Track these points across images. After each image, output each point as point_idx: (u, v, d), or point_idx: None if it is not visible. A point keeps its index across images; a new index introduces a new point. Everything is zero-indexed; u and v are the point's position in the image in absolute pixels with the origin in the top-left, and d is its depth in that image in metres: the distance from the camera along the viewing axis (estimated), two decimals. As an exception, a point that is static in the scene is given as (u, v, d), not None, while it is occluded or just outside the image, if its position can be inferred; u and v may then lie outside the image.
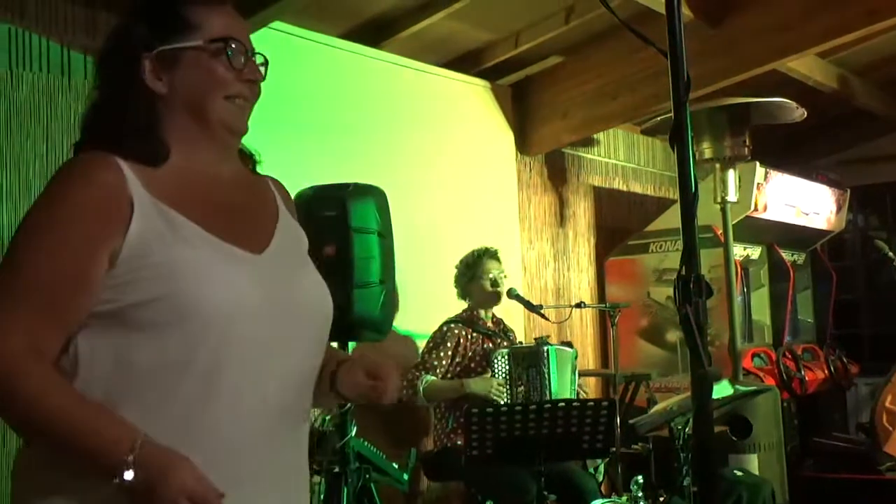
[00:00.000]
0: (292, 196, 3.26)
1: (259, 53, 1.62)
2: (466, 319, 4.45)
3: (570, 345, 4.69)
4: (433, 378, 4.21)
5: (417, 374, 4.22)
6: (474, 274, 4.47)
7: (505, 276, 4.55)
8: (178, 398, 1.44)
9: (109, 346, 1.44)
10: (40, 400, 1.38)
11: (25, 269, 1.42)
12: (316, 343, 1.64)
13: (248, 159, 1.72)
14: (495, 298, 4.49)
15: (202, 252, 1.47)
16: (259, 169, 1.74)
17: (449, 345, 4.31)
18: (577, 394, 4.64)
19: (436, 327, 4.47)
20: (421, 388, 4.16)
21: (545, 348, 4.34)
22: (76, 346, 1.44)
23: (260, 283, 1.51)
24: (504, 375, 4.25)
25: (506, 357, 4.29)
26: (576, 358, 4.59)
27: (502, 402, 4.16)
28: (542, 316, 4.71)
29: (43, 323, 1.41)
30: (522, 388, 4.27)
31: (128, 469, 1.35)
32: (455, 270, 4.55)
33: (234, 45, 1.56)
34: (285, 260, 1.61)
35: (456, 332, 4.36)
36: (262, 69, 1.63)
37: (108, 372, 1.44)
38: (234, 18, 1.61)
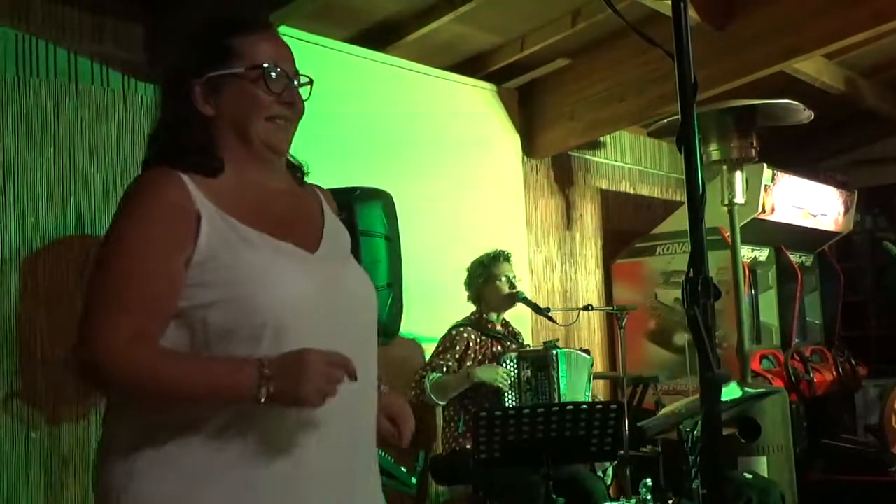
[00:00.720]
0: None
1: (303, 74, 1.78)
2: (475, 322, 4.44)
3: (587, 352, 4.69)
4: (438, 374, 4.20)
5: (423, 374, 4.22)
6: (490, 275, 4.45)
7: (519, 280, 4.55)
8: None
9: (186, 343, 1.58)
10: (159, 368, 1.53)
11: (121, 276, 1.57)
12: (368, 331, 1.77)
13: (296, 170, 1.86)
14: (510, 301, 4.48)
15: (264, 252, 1.61)
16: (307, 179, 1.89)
17: (458, 348, 4.30)
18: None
19: (442, 331, 4.47)
20: (428, 386, 4.15)
21: (554, 352, 4.33)
22: (164, 342, 1.59)
23: (316, 278, 1.65)
24: (512, 378, 4.24)
25: (514, 360, 4.28)
26: (591, 365, 4.60)
27: (507, 389, 4.17)
28: (550, 319, 4.71)
29: (146, 321, 1.55)
30: (531, 391, 4.27)
31: (264, 386, 1.48)
32: (467, 272, 4.54)
33: (272, 71, 1.69)
34: (334, 257, 1.75)
35: (465, 335, 4.35)
36: (303, 90, 1.77)
37: None
38: (275, 44, 1.75)
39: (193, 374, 1.53)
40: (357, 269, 1.83)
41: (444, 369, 4.24)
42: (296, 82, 1.76)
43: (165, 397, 1.55)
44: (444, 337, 4.39)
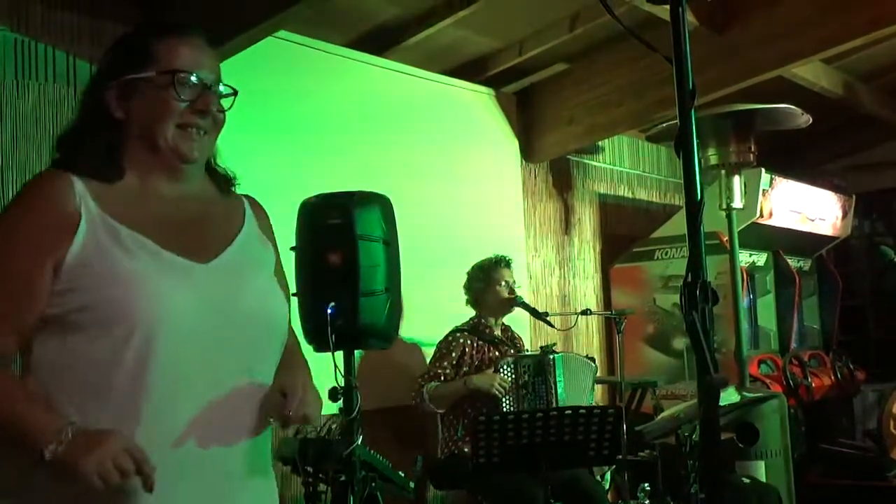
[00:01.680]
0: (299, 204, 3.25)
1: (227, 85, 1.72)
2: (472, 328, 4.44)
3: (592, 359, 4.69)
4: (435, 384, 4.22)
5: (422, 382, 4.24)
6: (489, 280, 4.47)
7: (518, 286, 4.56)
8: (109, 401, 1.53)
9: (55, 349, 1.56)
10: None
11: None
12: (259, 350, 1.70)
13: (223, 180, 1.81)
14: (508, 306, 4.49)
15: (141, 259, 1.57)
16: (239, 187, 1.84)
17: (454, 354, 4.31)
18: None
19: (441, 335, 4.47)
20: (426, 395, 4.18)
21: (551, 356, 4.33)
22: (32, 348, 1.58)
23: (197, 289, 1.60)
24: (510, 384, 4.24)
25: (511, 365, 4.29)
26: (595, 372, 4.61)
27: (503, 396, 4.19)
28: (548, 324, 4.71)
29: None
30: (528, 396, 4.27)
31: (56, 445, 1.44)
32: (467, 276, 4.55)
33: (185, 77, 1.65)
34: (234, 270, 1.69)
35: (461, 340, 4.36)
36: (222, 101, 1.71)
37: (54, 373, 1.56)
38: (195, 50, 1.70)
39: (4, 401, 1.51)
40: (260, 284, 1.73)
41: (442, 377, 4.25)
42: (219, 91, 1.71)
43: None
44: (441, 343, 4.40)
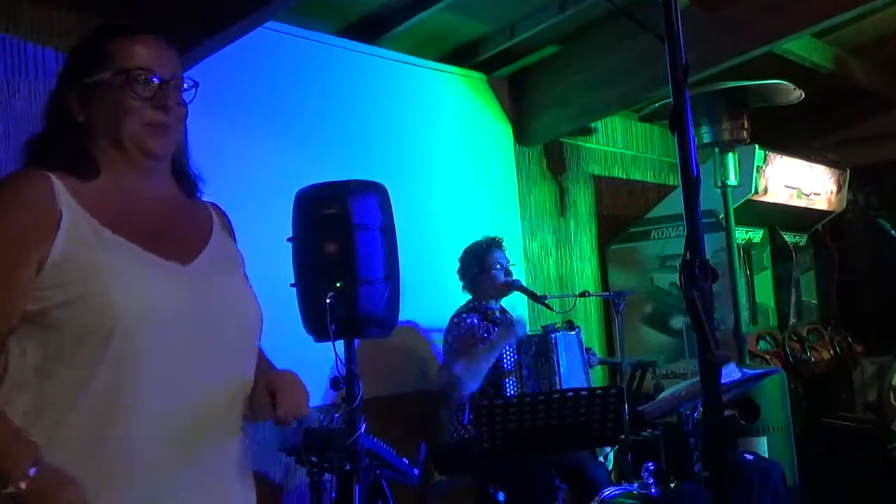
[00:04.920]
0: (295, 195, 3.26)
1: (188, 78, 1.74)
2: (475, 309, 4.42)
3: (571, 325, 4.68)
4: (462, 360, 4.19)
5: (450, 371, 4.20)
6: (484, 265, 4.43)
7: (513, 265, 4.54)
8: (87, 396, 1.53)
9: (34, 349, 1.55)
10: None
11: None
12: (238, 352, 1.72)
13: (190, 182, 1.84)
14: (506, 290, 4.46)
15: (121, 258, 1.58)
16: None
17: (466, 335, 4.28)
18: (590, 367, 4.65)
19: (441, 321, 4.46)
20: (459, 374, 4.14)
21: (553, 336, 4.34)
22: (8, 349, 1.56)
23: (177, 290, 1.62)
24: (512, 365, 4.25)
25: (514, 346, 4.28)
26: (580, 334, 4.60)
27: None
28: (547, 306, 4.70)
29: None
30: (532, 377, 4.27)
31: (19, 482, 1.44)
32: (459, 262, 4.52)
33: (140, 75, 1.67)
34: (210, 272, 1.71)
35: (468, 321, 4.33)
36: (180, 95, 1.73)
37: (32, 373, 1.55)
38: (149, 48, 1.71)
39: None
40: (235, 288, 1.76)
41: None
42: (180, 85, 1.73)
43: None
44: (451, 327, 4.35)
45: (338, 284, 3.08)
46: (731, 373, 3.82)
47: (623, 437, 3.69)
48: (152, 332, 1.55)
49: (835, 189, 6.73)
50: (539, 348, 4.31)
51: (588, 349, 4.74)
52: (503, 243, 4.53)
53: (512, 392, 4.23)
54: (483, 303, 4.46)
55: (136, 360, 1.54)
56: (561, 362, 4.31)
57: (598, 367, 5.51)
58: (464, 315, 4.36)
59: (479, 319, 4.36)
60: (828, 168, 6.65)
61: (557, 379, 4.27)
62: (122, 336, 1.53)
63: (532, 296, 4.62)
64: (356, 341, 3.45)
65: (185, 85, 1.74)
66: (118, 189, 1.68)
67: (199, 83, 1.76)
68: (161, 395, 1.57)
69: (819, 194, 6.54)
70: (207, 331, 1.64)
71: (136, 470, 1.55)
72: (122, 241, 1.60)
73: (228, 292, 1.72)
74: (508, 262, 4.50)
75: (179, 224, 1.75)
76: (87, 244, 1.56)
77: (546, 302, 4.63)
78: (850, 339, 6.70)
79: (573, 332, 4.56)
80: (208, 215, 1.85)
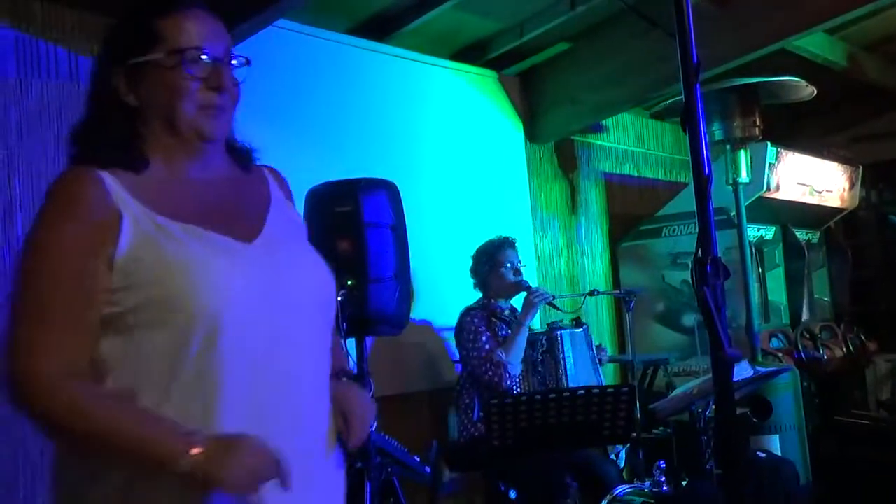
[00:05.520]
0: (305, 194, 3.26)
1: (239, 56, 1.64)
2: (484, 307, 4.41)
3: (578, 322, 4.67)
4: (501, 347, 4.17)
5: (494, 358, 4.16)
6: (494, 263, 4.41)
7: (524, 266, 4.53)
8: (176, 393, 1.47)
9: (118, 350, 1.50)
10: (86, 413, 1.44)
11: (36, 292, 1.49)
12: (317, 324, 1.65)
13: (242, 155, 1.75)
14: (515, 289, 4.45)
15: (190, 247, 1.51)
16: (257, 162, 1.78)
17: (482, 328, 4.27)
18: (600, 362, 4.64)
19: (451, 320, 4.45)
20: (505, 359, 4.13)
21: (558, 333, 4.33)
22: (99, 353, 1.50)
23: (250, 270, 1.54)
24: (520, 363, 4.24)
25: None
26: (587, 331, 4.60)
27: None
28: (555, 307, 4.68)
29: (68, 338, 1.47)
30: (539, 375, 4.27)
31: (192, 456, 1.39)
32: (472, 260, 4.51)
33: (194, 55, 1.57)
34: (278, 245, 1.63)
35: (476, 319, 4.32)
36: (234, 74, 1.63)
37: (119, 375, 1.50)
38: (201, 23, 1.61)
39: (124, 428, 1.44)
40: (305, 258, 1.69)
41: (495, 345, 4.20)
42: (231, 63, 1.63)
43: (90, 445, 1.48)
44: (466, 324, 4.27)
45: (349, 282, 3.09)
46: (743, 371, 3.81)
47: (635, 435, 3.68)
48: (232, 318, 1.48)
49: (847, 186, 6.71)
50: (545, 346, 4.31)
51: (599, 346, 4.73)
52: (515, 244, 4.52)
53: (517, 390, 4.22)
54: (493, 301, 4.45)
55: (219, 350, 1.48)
56: (567, 360, 4.30)
57: (610, 364, 5.49)
58: (473, 312, 4.34)
59: (485, 324, 4.33)
60: (840, 165, 6.62)
61: (564, 376, 4.26)
62: (203, 328, 1.47)
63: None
64: (367, 339, 3.46)
65: (235, 62, 1.64)
66: (172, 175, 1.60)
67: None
68: (252, 382, 1.51)
69: (831, 191, 6.52)
70: (284, 308, 1.56)
71: None
72: (188, 227, 1.53)
73: (299, 269, 1.64)
74: (519, 261, 4.50)
75: (240, 202, 1.66)
76: (153, 241, 1.50)
77: (554, 302, 4.62)
78: (863, 337, 6.67)
79: (580, 330, 4.55)
80: (266, 182, 1.76)
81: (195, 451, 1.40)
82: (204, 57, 1.58)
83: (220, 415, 1.48)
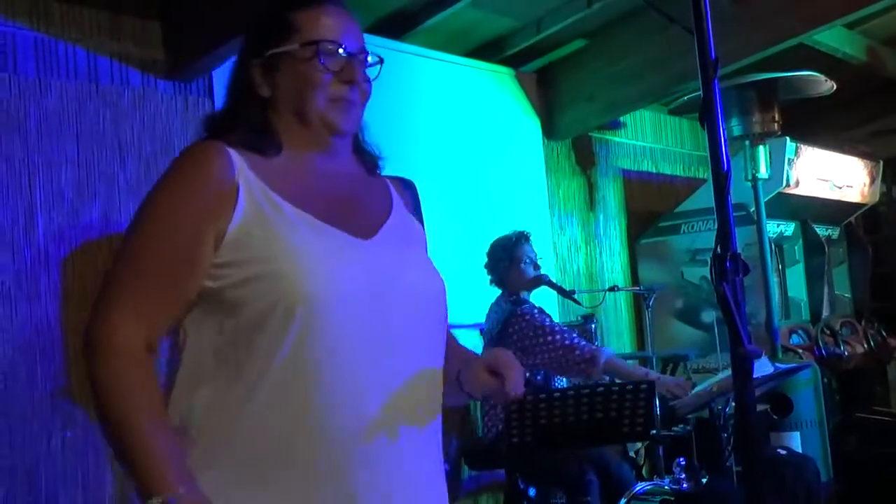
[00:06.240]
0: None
1: (373, 53, 1.68)
2: (516, 303, 4.36)
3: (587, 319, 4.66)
4: (611, 354, 4.07)
5: (591, 348, 4.06)
6: (513, 259, 4.38)
7: (541, 258, 4.51)
8: (269, 383, 1.44)
9: (211, 328, 1.48)
10: (128, 415, 1.41)
11: (137, 257, 1.47)
12: (432, 332, 1.62)
13: (368, 158, 1.77)
14: (535, 283, 4.42)
15: (305, 232, 1.49)
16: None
17: (548, 321, 4.23)
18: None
19: (469, 317, 4.44)
20: (602, 363, 3.99)
21: (592, 325, 4.33)
22: (184, 330, 1.50)
23: (363, 267, 1.51)
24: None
25: None
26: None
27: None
28: (575, 301, 4.68)
29: (155, 308, 1.46)
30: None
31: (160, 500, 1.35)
32: (487, 257, 4.49)
33: (327, 48, 1.58)
34: (394, 247, 1.61)
35: (538, 309, 4.26)
36: (369, 70, 1.67)
37: (209, 354, 1.47)
38: (337, 18, 1.63)
39: (139, 435, 1.40)
40: (420, 264, 1.67)
41: (574, 334, 4.15)
42: (365, 60, 1.66)
43: (102, 425, 1.43)
44: (530, 312, 4.21)
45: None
46: (763, 367, 3.79)
47: (654, 432, 3.67)
48: (337, 311, 1.45)
49: (868, 181, 6.66)
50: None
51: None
52: (531, 237, 4.49)
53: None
54: (521, 296, 4.39)
55: (320, 341, 1.44)
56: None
57: (629, 361, 5.47)
58: (526, 307, 4.26)
59: (546, 316, 4.27)
60: (860, 160, 6.58)
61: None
62: (304, 316, 1.43)
63: (560, 290, 4.59)
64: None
65: (369, 59, 1.67)
66: (300, 166, 1.60)
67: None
68: (349, 377, 1.46)
69: (852, 186, 6.47)
70: (394, 310, 1.52)
71: (331, 469, 1.45)
72: (304, 215, 1.51)
73: (413, 268, 1.62)
74: (536, 255, 4.48)
75: (361, 200, 1.66)
76: (266, 220, 1.48)
77: (574, 297, 4.61)
78: (884, 333, 6.62)
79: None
80: (389, 191, 1.77)
81: (171, 497, 1.36)
82: (338, 50, 1.60)
83: (313, 410, 1.44)
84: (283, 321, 1.43)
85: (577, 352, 4.02)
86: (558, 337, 4.07)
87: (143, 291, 1.45)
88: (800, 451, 4.60)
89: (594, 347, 4.06)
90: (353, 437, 1.46)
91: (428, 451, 1.60)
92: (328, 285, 1.45)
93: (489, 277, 4.50)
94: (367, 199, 1.68)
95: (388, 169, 3.53)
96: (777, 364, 4.10)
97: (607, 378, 4.00)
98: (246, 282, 1.45)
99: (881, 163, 6.83)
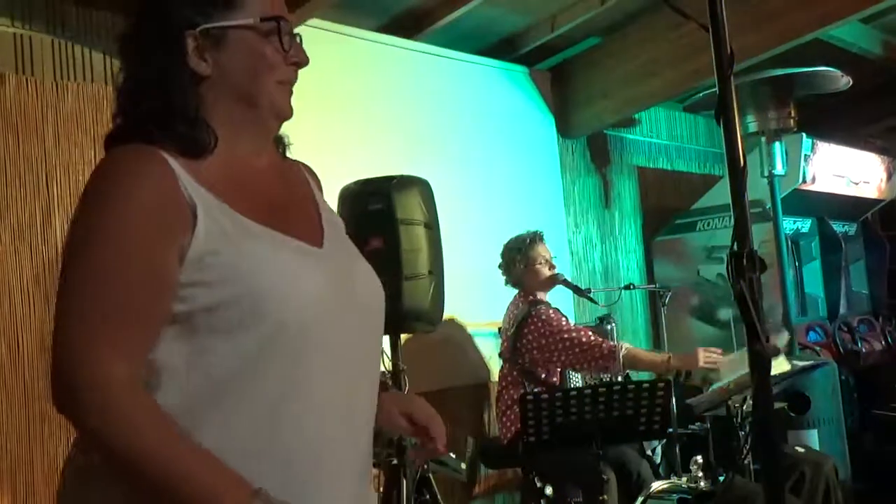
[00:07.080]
0: (339, 191, 3.26)
1: (297, 34, 1.50)
2: (534, 303, 4.36)
3: (602, 320, 4.67)
4: (628, 347, 4.12)
5: (612, 344, 4.10)
6: (528, 259, 4.38)
7: (555, 257, 4.50)
8: (257, 401, 1.34)
9: (186, 353, 1.33)
10: (139, 438, 1.26)
11: (98, 283, 1.29)
12: (378, 334, 1.58)
13: (282, 144, 1.61)
14: (551, 283, 4.42)
15: (271, 247, 1.38)
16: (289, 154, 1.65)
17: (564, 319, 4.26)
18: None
19: (484, 316, 4.44)
20: (622, 357, 4.05)
21: (609, 326, 4.32)
22: (156, 355, 1.33)
23: (326, 275, 1.42)
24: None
25: None
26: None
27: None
28: (591, 300, 4.67)
29: (137, 338, 1.30)
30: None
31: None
32: (502, 257, 4.48)
33: (286, 26, 1.44)
34: (340, 252, 1.53)
35: (553, 310, 4.29)
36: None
37: (187, 379, 1.33)
38: None
39: (178, 461, 1.26)
40: (365, 265, 1.57)
41: (588, 332, 4.17)
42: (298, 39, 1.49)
43: (128, 472, 1.28)
44: (546, 311, 4.24)
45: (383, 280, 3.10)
46: (780, 365, 3.78)
47: (671, 430, 3.66)
48: (312, 327, 1.36)
49: (885, 177, 6.62)
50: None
51: None
52: (544, 237, 4.49)
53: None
54: (538, 296, 4.39)
55: (299, 358, 1.36)
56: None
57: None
58: (541, 306, 4.28)
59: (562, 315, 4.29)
60: (877, 155, 6.55)
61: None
62: (285, 339, 1.34)
63: (576, 289, 4.59)
64: (402, 336, 3.46)
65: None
66: (232, 159, 1.43)
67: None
68: (323, 385, 1.39)
69: (868, 182, 6.44)
70: (350, 315, 1.44)
71: (306, 461, 1.38)
72: (264, 229, 1.38)
73: (365, 276, 1.54)
74: (551, 255, 4.48)
75: (294, 198, 1.54)
76: (229, 236, 1.33)
77: (590, 295, 4.61)
78: (902, 330, 6.59)
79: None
80: (303, 178, 1.63)
81: (249, 497, 1.26)
82: (293, 30, 1.47)
83: (299, 424, 1.37)
84: (260, 340, 1.33)
85: (596, 349, 4.05)
86: (574, 335, 4.10)
87: (118, 326, 1.28)
88: (818, 448, 4.58)
89: (611, 343, 4.08)
90: (325, 436, 1.41)
91: (369, 447, 1.55)
92: (310, 305, 1.37)
93: (504, 278, 4.51)
94: (298, 197, 1.57)
95: (408, 170, 3.55)
96: (794, 361, 4.09)
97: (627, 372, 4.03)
98: (217, 306, 1.32)
99: (898, 158, 6.79)
